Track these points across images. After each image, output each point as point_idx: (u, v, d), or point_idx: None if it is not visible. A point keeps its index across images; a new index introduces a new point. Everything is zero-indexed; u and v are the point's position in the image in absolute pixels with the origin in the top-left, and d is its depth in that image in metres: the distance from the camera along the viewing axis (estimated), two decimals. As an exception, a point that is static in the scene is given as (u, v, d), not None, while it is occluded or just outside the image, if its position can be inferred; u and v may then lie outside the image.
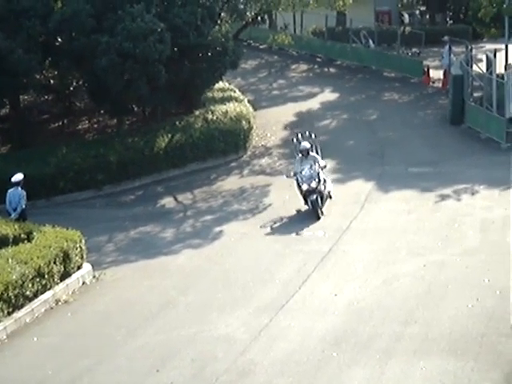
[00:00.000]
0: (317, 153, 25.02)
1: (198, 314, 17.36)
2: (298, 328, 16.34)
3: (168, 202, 26.97)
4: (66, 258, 18.97)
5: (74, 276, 19.32)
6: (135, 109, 31.59)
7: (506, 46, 35.61)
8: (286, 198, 26.01)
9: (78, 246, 19.57)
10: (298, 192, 24.11)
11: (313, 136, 25.40)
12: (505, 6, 34.26)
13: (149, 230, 23.96)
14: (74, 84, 32.16)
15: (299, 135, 25.40)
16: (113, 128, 31.68)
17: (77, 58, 28.29)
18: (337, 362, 14.78)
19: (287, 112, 36.80)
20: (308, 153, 24.21)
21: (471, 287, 17.79)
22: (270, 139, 33.30)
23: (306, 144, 24.43)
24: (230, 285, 18.98)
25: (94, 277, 19.98)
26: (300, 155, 24.36)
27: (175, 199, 27.12)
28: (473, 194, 25.17)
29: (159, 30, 27.73)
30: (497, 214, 23.02)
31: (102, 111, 31.99)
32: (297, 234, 22.50)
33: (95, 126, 32.09)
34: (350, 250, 20.99)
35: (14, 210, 21.76)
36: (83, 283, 19.52)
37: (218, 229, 23.53)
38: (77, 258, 19.49)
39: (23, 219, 21.38)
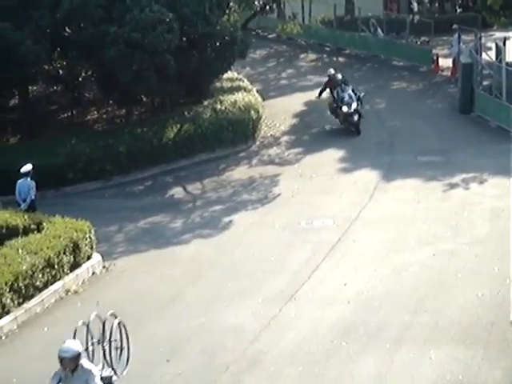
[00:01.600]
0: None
1: (207, 304, 17.40)
2: (307, 317, 16.37)
3: (177, 192, 26.99)
4: (76, 248, 19.04)
5: (84, 266, 19.38)
6: (144, 99, 31.60)
7: (516, 34, 35.47)
8: (295, 188, 26.01)
9: (87, 236, 19.63)
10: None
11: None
12: (514, -7, 34.12)
13: (158, 220, 23.99)
14: (83, 74, 32.18)
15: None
16: (121, 118, 31.70)
17: (85, 49, 28.28)
18: (346, 351, 14.81)
19: (296, 101, 36.74)
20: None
21: (480, 276, 17.80)
22: (278, 129, 33.26)
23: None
24: (239, 275, 19.01)
25: (103, 267, 20.03)
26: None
27: (184, 189, 27.13)
28: (482, 182, 25.12)
29: (167, 19, 27.71)
30: (506, 202, 22.93)
31: (110, 102, 32.01)
32: (306, 223, 22.49)
33: (104, 116, 32.10)
34: (360, 239, 20.98)
35: (24, 200, 21.81)
36: (93, 273, 19.58)
37: (227, 219, 23.54)
38: (86, 248, 19.54)
39: (33, 210, 21.44)
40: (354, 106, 29.90)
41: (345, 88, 30.47)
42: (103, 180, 27.66)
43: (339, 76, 31.20)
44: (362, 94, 30.95)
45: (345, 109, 29.82)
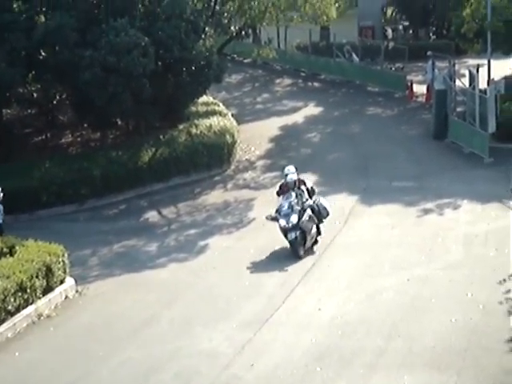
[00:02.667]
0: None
1: (181, 328, 17.31)
2: (281, 342, 16.32)
3: (152, 215, 26.91)
4: (49, 272, 18.86)
5: (57, 290, 19.21)
6: (119, 122, 31.54)
7: (489, 61, 35.80)
8: (270, 212, 25.96)
9: (60, 260, 19.47)
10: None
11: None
12: (487, 21, 34.45)
13: (133, 244, 23.89)
14: (58, 98, 32.06)
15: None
16: (96, 142, 31.60)
17: (60, 72, 28.24)
18: (321, 376, 14.77)
19: (271, 126, 36.86)
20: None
21: (454, 301, 17.84)
22: (254, 153, 33.33)
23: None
24: (214, 299, 18.94)
25: (77, 291, 19.87)
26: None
27: (159, 213, 27.06)
28: (456, 208, 25.25)
29: (143, 44, 27.74)
30: (480, 228, 23.10)
31: (85, 125, 31.91)
32: (281, 247, 22.45)
33: (78, 139, 31.98)
34: (334, 264, 20.99)
35: (-9, 224, 21.61)
36: (66, 297, 19.41)
37: (202, 243, 23.48)
38: (60, 272, 19.38)
39: (0, 233, 21.24)
40: (294, 219, 21.11)
41: (289, 194, 21.68)
42: (77, 203, 27.52)
43: (293, 176, 22.02)
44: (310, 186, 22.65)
45: (282, 222, 21.31)
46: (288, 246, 21.69)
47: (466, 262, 20.47)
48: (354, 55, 45.53)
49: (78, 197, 27.47)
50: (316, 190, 22.75)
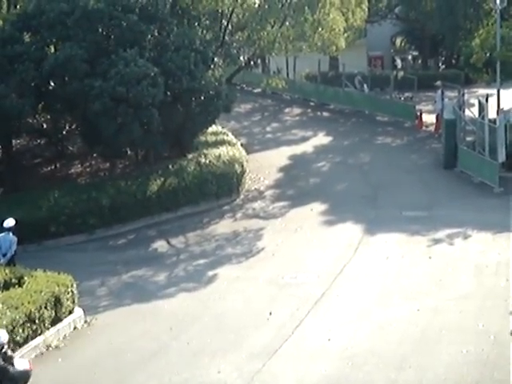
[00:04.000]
0: None
1: (189, 359, 17.18)
2: (291, 373, 16.18)
3: (161, 245, 26.85)
4: (58, 302, 18.79)
5: (66, 321, 19.11)
6: (128, 152, 31.58)
7: (498, 91, 35.84)
8: (279, 242, 25.93)
9: (69, 290, 19.40)
10: None
11: None
12: (497, 51, 34.51)
13: (141, 274, 23.81)
14: (67, 128, 32.19)
15: None
16: (105, 171, 31.64)
17: (70, 102, 28.36)
18: (330, 408, 14.61)
19: (281, 155, 36.87)
20: None
21: (465, 332, 17.67)
22: (263, 183, 33.31)
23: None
24: (223, 329, 18.81)
25: (85, 322, 19.77)
26: None
27: (168, 243, 27.00)
28: (466, 238, 25.13)
29: (152, 74, 27.84)
30: (490, 258, 22.96)
31: (94, 155, 31.97)
32: (290, 277, 22.37)
33: (88, 169, 32.04)
34: (344, 294, 20.86)
35: (4, 255, 21.55)
36: (74, 328, 19.31)
37: (211, 272, 23.39)
38: (68, 302, 19.30)
39: (13, 264, 21.20)
40: None
41: None
42: (86, 233, 27.48)
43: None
44: None
45: None
46: (297, 275, 21.65)
47: (476, 292, 20.32)
48: (365, 85, 45.66)
49: (86, 227, 27.43)
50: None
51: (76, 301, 19.85)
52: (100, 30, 29.19)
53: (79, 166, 32.37)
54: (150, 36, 29.69)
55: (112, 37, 29.23)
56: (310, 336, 18.18)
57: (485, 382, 15.19)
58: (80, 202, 27.57)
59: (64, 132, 32.30)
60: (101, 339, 18.83)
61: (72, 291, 19.56)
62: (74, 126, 31.73)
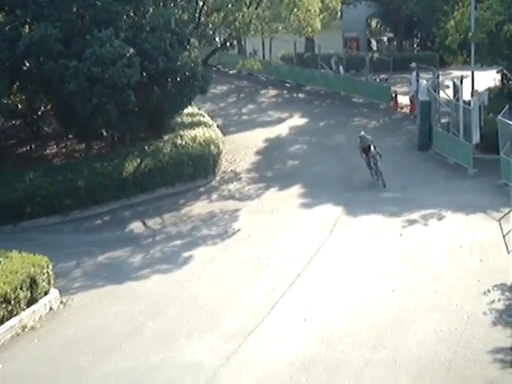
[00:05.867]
0: None
1: (166, 339, 17.23)
2: (266, 353, 16.27)
3: (137, 226, 26.84)
4: (33, 283, 18.75)
5: (41, 302, 19.08)
6: (104, 133, 31.47)
7: (473, 73, 36.01)
8: (255, 223, 26.01)
9: (45, 271, 19.36)
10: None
11: None
12: (471, 33, 34.66)
13: (117, 256, 23.80)
14: (42, 108, 32.01)
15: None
16: (81, 153, 31.53)
17: (45, 83, 28.19)
18: (306, 387, 14.73)
19: (256, 137, 36.89)
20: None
21: (439, 312, 17.85)
22: (239, 164, 33.34)
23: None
24: (199, 310, 18.88)
25: (61, 302, 19.76)
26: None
27: (144, 224, 27.00)
28: (440, 219, 25.32)
29: (128, 54, 27.73)
30: (464, 239, 23.17)
31: (70, 136, 31.84)
32: (266, 258, 22.46)
33: (63, 150, 31.90)
34: (319, 274, 20.98)
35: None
36: (50, 309, 19.30)
37: (187, 254, 23.43)
38: (44, 283, 19.26)
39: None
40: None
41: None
42: (62, 215, 27.43)
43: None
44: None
45: None
46: (273, 256, 21.70)
47: (450, 272, 20.51)
48: (340, 67, 45.69)
49: (62, 208, 27.38)
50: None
51: (52, 282, 19.82)
52: (75, 9, 29.02)
53: (54, 146, 32.22)
54: (125, 16, 29.55)
55: (87, 17, 29.05)
56: (285, 316, 18.28)
57: (458, 361, 15.37)
58: (56, 183, 27.49)
59: (39, 113, 32.12)
60: (76, 320, 18.84)
61: (48, 272, 19.52)
62: (49, 107, 31.56)
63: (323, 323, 17.61)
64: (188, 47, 30.78)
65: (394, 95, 41.52)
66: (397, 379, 14.79)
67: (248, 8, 33.99)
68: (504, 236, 22.96)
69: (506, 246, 22.12)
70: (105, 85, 27.36)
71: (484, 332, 16.63)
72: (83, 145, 31.69)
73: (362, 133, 30.35)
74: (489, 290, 18.92)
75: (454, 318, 17.39)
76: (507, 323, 16.84)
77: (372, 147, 29.28)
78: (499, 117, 29.06)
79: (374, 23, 63.49)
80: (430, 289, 19.33)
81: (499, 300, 18.33)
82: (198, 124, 33.72)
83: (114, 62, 27.37)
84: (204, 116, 35.99)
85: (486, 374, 14.79)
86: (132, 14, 30.07)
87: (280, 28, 36.30)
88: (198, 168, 30.83)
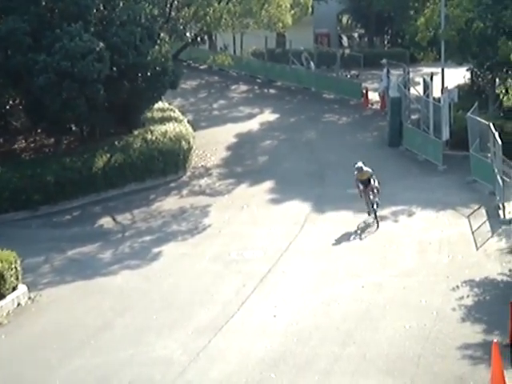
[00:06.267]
0: None
1: (135, 335, 17.16)
2: (236, 349, 16.26)
3: (106, 222, 26.69)
4: (1, 279, 18.61)
5: (9, 297, 18.93)
6: (73, 128, 31.25)
7: (443, 70, 36.17)
8: (225, 218, 25.97)
9: (13, 266, 19.20)
10: None
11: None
12: (441, 30, 34.81)
13: (86, 251, 23.66)
14: (11, 102, 31.67)
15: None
16: (50, 147, 31.28)
17: (13, 77, 27.91)
18: (275, 383, 14.72)
19: (227, 132, 36.84)
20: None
21: (408, 308, 17.94)
22: (209, 160, 33.27)
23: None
24: (169, 306, 18.82)
25: (29, 298, 19.61)
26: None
27: (114, 219, 26.85)
28: (410, 215, 25.43)
29: (98, 49, 27.54)
30: (433, 235, 23.29)
31: (39, 130, 31.58)
32: (237, 254, 22.44)
33: (32, 145, 31.63)
34: (290, 270, 21.00)
35: None
36: (18, 305, 19.14)
37: (156, 249, 23.34)
38: (12, 279, 19.11)
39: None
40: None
41: None
42: (30, 210, 27.17)
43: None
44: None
45: None
46: (244, 252, 21.76)
47: (420, 268, 20.61)
48: (311, 63, 45.73)
49: (30, 203, 27.13)
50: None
51: (20, 277, 19.67)
52: (44, 2, 28.73)
53: (23, 141, 31.93)
54: (95, 10, 29.32)
55: (56, 10, 28.80)
56: (255, 312, 18.28)
57: (426, 357, 15.45)
58: (24, 178, 27.23)
59: (7, 107, 31.78)
60: (45, 316, 18.71)
61: (16, 267, 19.37)
62: (17, 101, 31.26)
63: (293, 319, 17.63)
64: (158, 42, 30.63)
65: (364, 91, 41.63)
66: (366, 375, 14.84)
67: (219, 3, 33.89)
68: (473, 232, 23.13)
69: (475, 242, 22.28)
70: (74, 79, 27.16)
71: (453, 328, 16.73)
72: (52, 139, 31.43)
73: (360, 164, 24.85)
74: (458, 286, 19.05)
75: (423, 314, 17.48)
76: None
77: (372, 180, 24.79)
78: (469, 114, 29.25)
79: (345, 19, 63.59)
80: (400, 285, 19.41)
81: (468, 296, 18.46)
82: (169, 119, 33.59)
83: (84, 56, 27.17)
84: (174, 111, 35.85)
85: (454, 369, 14.88)
86: (102, 8, 29.85)
87: (251, 23, 36.23)
88: (169, 163, 30.72)
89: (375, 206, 24.42)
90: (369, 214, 24.62)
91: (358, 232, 23.99)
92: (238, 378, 14.99)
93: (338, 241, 23.28)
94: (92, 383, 15.05)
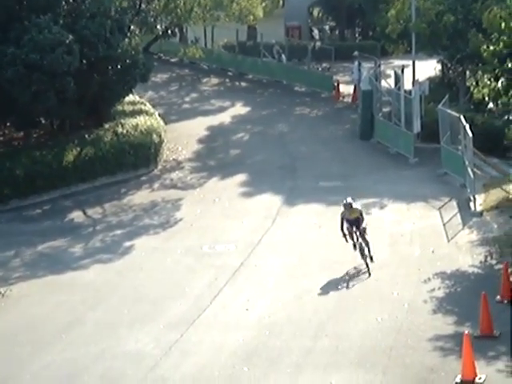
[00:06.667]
0: None
1: (107, 330, 17.08)
2: (209, 343, 16.24)
3: (77, 216, 26.51)
4: (-30, 274, 18.45)
5: (-21, 293, 18.79)
6: (43, 121, 31.00)
7: (413, 62, 36.27)
8: (197, 212, 25.90)
9: (-18, 261, 19.06)
10: None
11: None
12: (412, 22, 34.89)
13: (57, 245, 23.50)
14: (-21, 96, 31.37)
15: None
16: (19, 141, 31.01)
17: (-19, 69, 27.63)
18: (248, 377, 14.73)
19: (199, 126, 36.71)
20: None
21: (380, 300, 17.99)
22: (181, 153, 33.14)
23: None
24: (141, 300, 18.75)
25: (-1, 293, 19.47)
26: None
27: (84, 213, 26.68)
28: (382, 208, 25.48)
29: (67, 41, 27.32)
30: (405, 227, 23.37)
31: (8, 124, 31.29)
32: (209, 247, 22.39)
33: (1, 138, 31.35)
34: (262, 264, 20.98)
35: None
36: (-12, 300, 19.00)
37: (128, 243, 23.23)
38: (-19, 274, 18.97)
39: None
40: None
41: None
42: (0, 204, 26.94)
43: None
44: None
45: None
46: (216, 246, 21.77)
47: (391, 261, 20.67)
48: (283, 55, 45.69)
49: (0, 197, 26.90)
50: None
51: (-11, 272, 19.52)
52: (12, -6, 28.48)
53: (-8, 135, 31.67)
54: (64, 2, 29.11)
55: (24, 2, 28.54)
56: (228, 306, 18.26)
57: (398, 349, 15.51)
58: (-7, 172, 27.00)
59: (-24, 100, 31.49)
60: (15, 311, 18.58)
61: (-15, 263, 19.21)
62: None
63: (265, 312, 17.63)
64: (129, 34, 30.46)
65: (336, 84, 41.66)
66: (339, 367, 14.88)
67: (190, -5, 33.78)
68: (444, 225, 23.23)
69: (447, 234, 22.38)
70: (44, 72, 26.92)
71: (424, 320, 16.81)
72: (22, 133, 31.17)
73: (349, 199, 20.24)
74: (429, 279, 19.13)
75: (395, 306, 17.54)
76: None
77: (362, 220, 20.11)
78: (439, 106, 29.36)
79: (316, 12, 63.59)
80: (372, 277, 19.45)
81: (439, 288, 18.54)
82: (140, 112, 33.41)
83: (53, 48, 26.95)
84: (145, 104, 35.67)
85: (425, 361, 14.95)
86: (71, 0, 29.61)
87: (222, 16, 36.16)
88: (140, 157, 30.56)
89: (367, 251, 19.96)
90: (364, 260, 19.94)
91: (330, 224, 23.94)
92: (210, 371, 14.97)
93: (310, 234, 23.28)
94: (63, 378, 14.96)
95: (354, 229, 20.02)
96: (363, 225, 20.07)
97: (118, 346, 16.26)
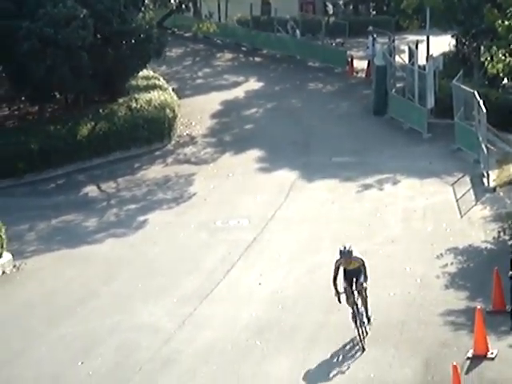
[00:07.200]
0: None
1: (121, 303, 17.22)
2: (222, 317, 16.35)
3: (91, 190, 26.64)
4: (-14, 247, 18.61)
5: (-6, 266, 18.96)
6: (57, 96, 31.07)
7: (428, 38, 36.04)
8: (211, 187, 25.97)
9: (-3, 234, 19.21)
10: None
11: None
12: (427, -3, 34.66)
13: (71, 219, 23.64)
14: (-6, 70, 31.46)
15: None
16: (34, 115, 31.11)
17: (-4, 43, 27.69)
18: (261, 350, 14.84)
19: (212, 101, 36.69)
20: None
21: (393, 276, 18.04)
22: (194, 128, 33.17)
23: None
24: (154, 274, 18.87)
25: (14, 266, 19.63)
26: None
27: (98, 188, 26.80)
28: (395, 183, 25.48)
29: (82, 15, 27.34)
30: (418, 203, 23.37)
31: (22, 98, 31.36)
32: (222, 222, 22.47)
33: (16, 113, 31.44)
34: (275, 238, 21.05)
35: None
36: (3, 273, 19.17)
37: (142, 218, 23.34)
38: (-4, 247, 19.12)
39: None
40: None
41: None
42: (14, 178, 27.09)
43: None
44: None
45: None
46: (229, 220, 21.92)
47: (404, 236, 20.70)
48: (297, 31, 45.51)
49: (15, 171, 27.04)
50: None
51: (4, 245, 19.67)
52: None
53: (7, 109, 31.75)
54: (78, -24, 29.08)
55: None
56: (241, 280, 18.35)
57: (410, 323, 15.58)
58: (8, 146, 27.11)
59: (-10, 74, 31.59)
60: (30, 284, 18.73)
61: (0, 235, 19.35)
62: (0, 68, 31.02)
63: (278, 287, 17.71)
64: (143, 9, 30.44)
65: (349, 60, 41.48)
66: (351, 341, 14.93)
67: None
68: (457, 200, 23.23)
69: (460, 210, 22.38)
70: (58, 46, 26.96)
71: (436, 295, 16.86)
72: (36, 107, 31.26)
73: (347, 246, 15.38)
74: (442, 254, 19.16)
75: (408, 282, 17.59)
76: None
77: (362, 274, 15.38)
78: (453, 81, 29.23)
79: (330, -13, 63.23)
80: (384, 253, 19.50)
81: (452, 263, 18.58)
82: (153, 87, 33.41)
83: (68, 22, 26.98)
84: (159, 79, 35.66)
85: (437, 335, 15.02)
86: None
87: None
88: (154, 132, 30.62)
89: (365, 320, 15.36)
90: (357, 326, 15.03)
91: (343, 200, 23.99)
92: (223, 345, 15.08)
93: (323, 209, 23.32)
94: (79, 350, 15.11)
95: (352, 286, 15.30)
96: (362, 279, 15.34)
97: (133, 319, 16.40)
